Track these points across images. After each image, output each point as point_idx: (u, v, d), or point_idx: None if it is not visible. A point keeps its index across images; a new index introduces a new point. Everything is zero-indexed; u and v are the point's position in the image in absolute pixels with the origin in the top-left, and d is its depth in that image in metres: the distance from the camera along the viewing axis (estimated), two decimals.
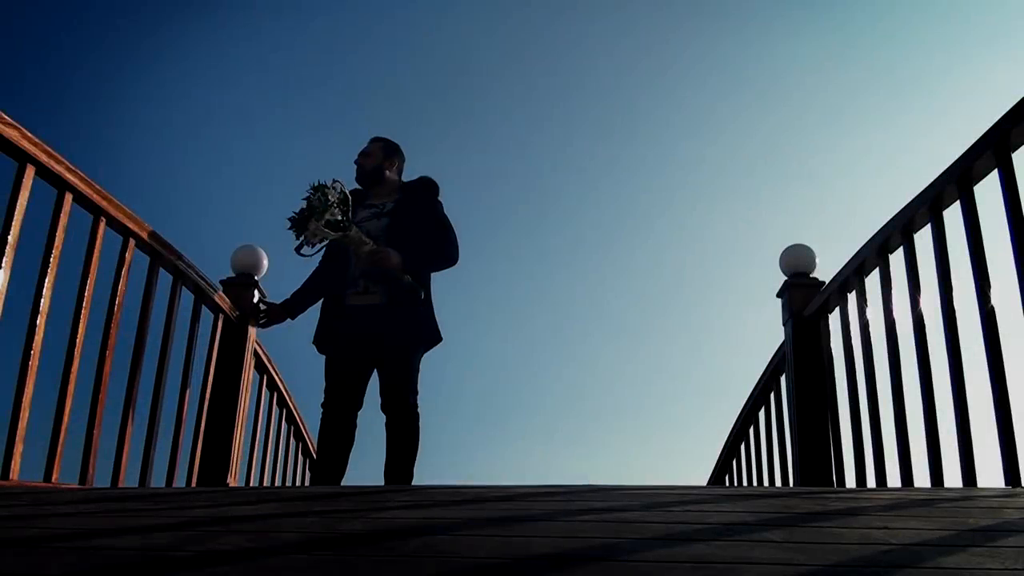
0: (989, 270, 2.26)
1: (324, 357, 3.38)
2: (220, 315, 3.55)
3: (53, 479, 2.31)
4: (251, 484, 3.96)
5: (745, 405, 4.52)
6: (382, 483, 3.24)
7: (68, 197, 2.40)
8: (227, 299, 3.59)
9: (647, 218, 9.90)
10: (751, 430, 4.45)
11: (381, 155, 3.49)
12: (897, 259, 2.76)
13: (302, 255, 3.16)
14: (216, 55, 8.34)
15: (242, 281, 3.74)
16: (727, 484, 4.87)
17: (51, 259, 2.31)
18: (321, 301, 3.45)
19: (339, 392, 3.30)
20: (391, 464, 3.25)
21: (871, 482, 2.82)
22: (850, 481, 3.00)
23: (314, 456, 5.16)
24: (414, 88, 9.31)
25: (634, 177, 9.61)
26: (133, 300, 2.84)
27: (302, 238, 3.07)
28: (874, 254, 2.87)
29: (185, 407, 3.20)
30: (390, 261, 3.22)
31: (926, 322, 2.54)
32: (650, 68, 9.13)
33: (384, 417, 3.28)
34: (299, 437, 4.96)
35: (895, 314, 2.74)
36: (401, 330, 3.25)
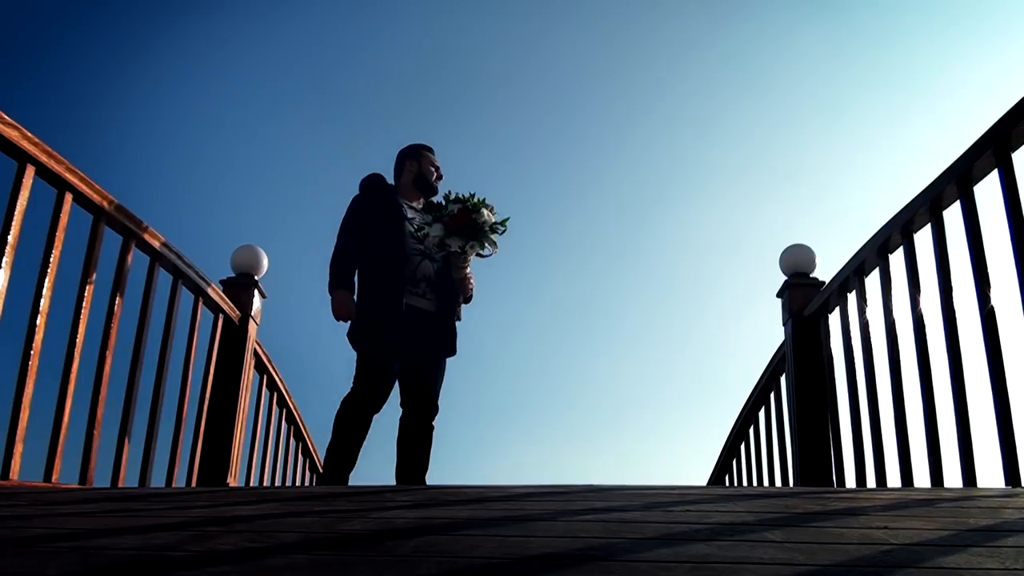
0: (989, 270, 2.26)
1: (364, 349, 3.31)
2: (220, 315, 3.55)
3: (53, 479, 2.31)
4: (251, 484, 3.96)
5: (745, 405, 4.52)
6: (381, 483, 3.25)
7: (68, 197, 2.40)
8: (227, 299, 3.59)
9: (647, 218, 9.91)
10: (751, 430, 4.45)
11: None
12: (897, 259, 2.76)
13: (430, 250, 3.31)
14: (217, 55, 8.34)
15: (242, 281, 3.75)
16: (727, 484, 4.87)
17: (51, 259, 2.31)
18: (367, 294, 3.34)
19: (380, 385, 3.28)
20: (414, 462, 3.32)
21: (871, 482, 2.82)
22: (850, 481, 3.00)
23: (313, 452, 5.16)
24: (414, 88, 9.31)
25: (634, 176, 9.61)
26: (133, 300, 2.84)
27: (457, 244, 3.21)
28: (874, 254, 2.87)
29: (185, 407, 3.20)
30: (471, 290, 3.47)
31: (926, 322, 2.54)
32: (646, 68, 9.13)
33: (397, 418, 3.35)
34: (299, 437, 4.96)
35: (895, 314, 2.74)
36: (448, 338, 3.42)
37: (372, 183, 3.49)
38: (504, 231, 3.29)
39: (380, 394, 3.29)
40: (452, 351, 3.45)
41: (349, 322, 3.34)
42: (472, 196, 3.27)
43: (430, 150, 3.60)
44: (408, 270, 3.33)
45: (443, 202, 3.30)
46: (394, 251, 3.32)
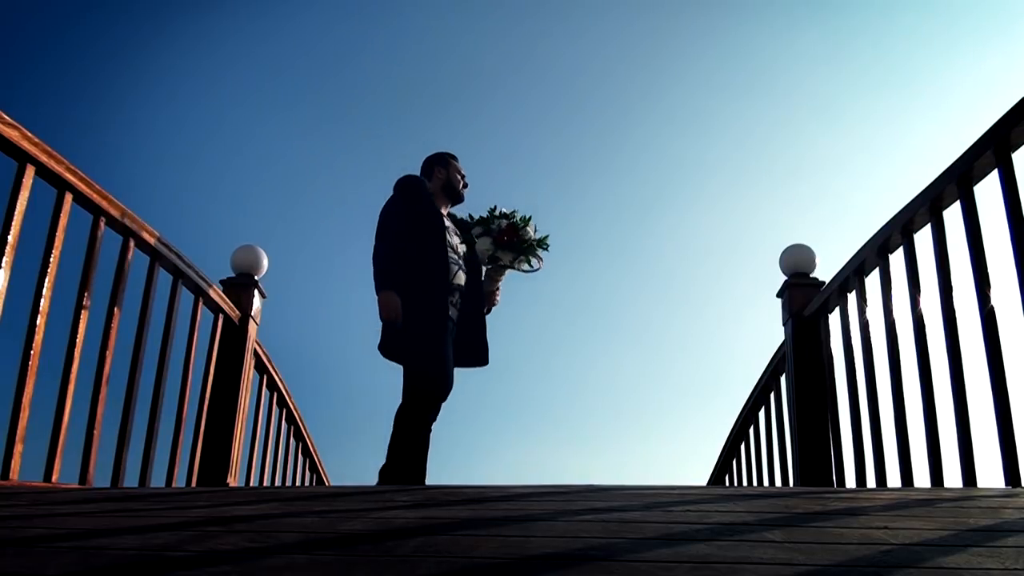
0: (989, 270, 2.26)
1: (420, 353, 3.25)
2: (220, 315, 3.55)
3: (53, 479, 2.31)
4: (251, 484, 3.96)
5: (745, 405, 4.52)
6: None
7: (68, 197, 2.40)
8: (227, 299, 3.59)
9: (646, 217, 9.91)
10: (751, 430, 4.45)
11: None
12: (897, 259, 2.76)
13: (483, 261, 3.50)
14: (217, 55, 8.34)
15: (242, 281, 3.75)
16: (727, 484, 4.87)
17: (51, 259, 2.31)
18: (415, 301, 3.26)
19: (447, 382, 3.27)
20: (419, 467, 3.32)
21: (871, 482, 2.82)
22: (850, 481, 3.00)
23: (313, 452, 5.16)
24: (413, 87, 9.31)
25: (633, 176, 9.61)
26: (133, 300, 2.84)
27: (508, 258, 3.42)
28: (874, 254, 2.87)
29: (185, 407, 3.20)
30: (496, 303, 3.59)
31: (926, 322, 2.54)
32: (645, 68, 9.13)
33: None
34: (299, 437, 4.96)
35: (895, 314, 2.74)
36: (479, 348, 3.49)
37: (417, 186, 3.43)
38: (548, 248, 3.49)
39: (446, 390, 3.29)
40: (485, 361, 3.48)
41: (382, 331, 3.28)
42: (514, 212, 3.46)
43: (456, 158, 3.62)
44: (449, 277, 3.36)
45: (487, 216, 3.46)
46: (438, 258, 3.33)
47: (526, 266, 3.48)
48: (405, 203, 3.38)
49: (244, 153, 8.99)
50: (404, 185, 3.42)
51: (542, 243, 3.46)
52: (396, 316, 3.20)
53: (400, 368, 3.32)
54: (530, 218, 3.46)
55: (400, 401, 3.29)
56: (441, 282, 3.30)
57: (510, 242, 3.42)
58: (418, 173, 3.58)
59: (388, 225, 3.33)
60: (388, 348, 3.29)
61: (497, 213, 3.46)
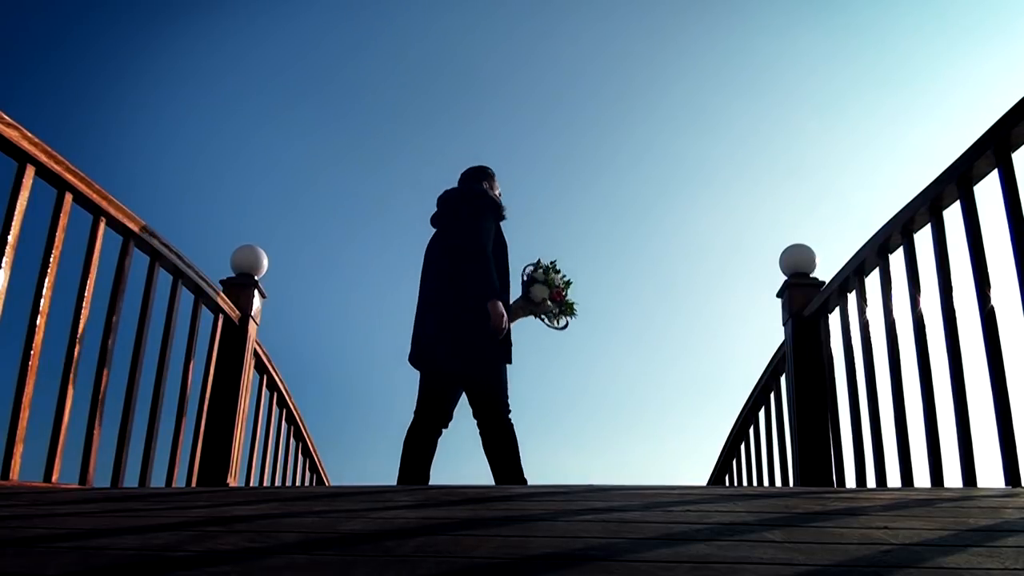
0: (989, 270, 2.26)
1: (503, 367, 3.37)
2: (220, 315, 3.55)
3: (53, 479, 2.31)
4: (251, 484, 3.96)
5: (745, 405, 4.52)
6: (381, 484, 3.26)
7: (68, 197, 2.40)
8: (227, 299, 3.59)
9: (647, 217, 9.91)
10: (751, 430, 4.45)
11: None
12: (897, 259, 2.76)
13: (535, 300, 3.75)
14: (217, 55, 8.34)
15: (242, 281, 3.75)
16: (727, 484, 4.87)
17: (51, 259, 2.31)
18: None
19: (488, 401, 3.35)
20: (428, 470, 3.37)
21: (871, 482, 2.82)
22: (850, 481, 3.00)
23: (313, 452, 5.16)
24: (415, 87, 9.31)
25: (634, 175, 9.61)
26: (133, 300, 2.84)
27: (550, 308, 3.76)
28: (874, 254, 2.87)
29: (185, 407, 3.20)
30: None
31: (926, 322, 2.54)
32: (647, 67, 9.13)
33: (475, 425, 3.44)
34: (299, 437, 4.96)
35: (895, 314, 2.74)
36: None
37: (500, 204, 3.48)
38: (576, 316, 3.86)
39: (488, 401, 3.36)
40: None
41: (443, 342, 3.31)
42: (559, 269, 3.81)
43: (494, 174, 3.67)
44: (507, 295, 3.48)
45: (548, 266, 3.75)
46: (505, 279, 3.41)
47: (549, 320, 3.81)
48: (496, 219, 3.42)
49: (244, 153, 9.00)
50: (490, 200, 3.44)
51: (573, 308, 3.81)
52: (507, 325, 3.28)
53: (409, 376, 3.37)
54: (571, 283, 3.82)
55: (411, 419, 3.34)
56: (506, 302, 3.39)
57: (560, 298, 3.76)
58: (456, 182, 3.62)
59: (486, 236, 3.31)
60: (456, 358, 3.27)
61: (555, 268, 3.79)
